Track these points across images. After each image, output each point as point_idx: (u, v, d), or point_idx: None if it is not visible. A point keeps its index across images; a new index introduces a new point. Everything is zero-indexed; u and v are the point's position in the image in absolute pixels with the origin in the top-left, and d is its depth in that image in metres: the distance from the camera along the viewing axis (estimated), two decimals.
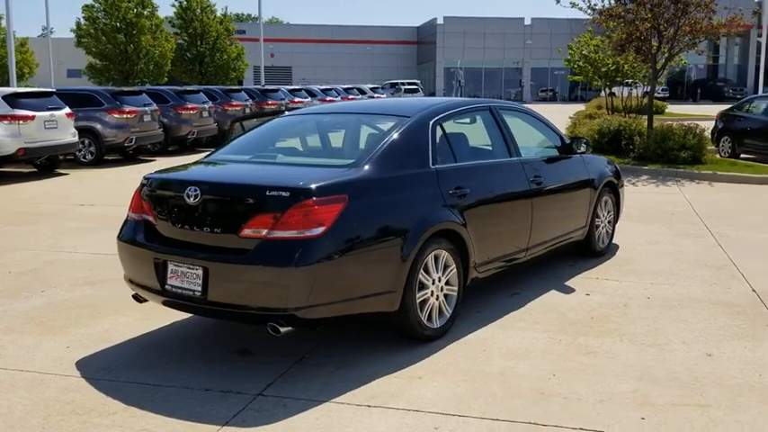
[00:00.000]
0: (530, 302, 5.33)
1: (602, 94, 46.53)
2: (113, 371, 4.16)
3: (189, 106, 18.19)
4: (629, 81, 19.91)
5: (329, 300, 3.89)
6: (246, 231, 3.89)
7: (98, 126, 15.31)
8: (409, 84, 50.44)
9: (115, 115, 15.47)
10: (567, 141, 6.27)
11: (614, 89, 45.30)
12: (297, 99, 24.65)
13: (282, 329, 3.81)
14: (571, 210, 6.13)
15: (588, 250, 6.63)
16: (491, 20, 63.63)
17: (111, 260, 6.83)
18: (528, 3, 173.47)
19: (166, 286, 4.15)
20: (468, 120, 5.32)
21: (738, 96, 56.74)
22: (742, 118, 15.38)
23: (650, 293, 5.56)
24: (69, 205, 10.30)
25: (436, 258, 4.47)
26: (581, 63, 19.28)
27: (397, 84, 48.92)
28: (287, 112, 5.58)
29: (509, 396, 3.71)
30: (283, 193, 3.84)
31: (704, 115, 28.74)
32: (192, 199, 4.06)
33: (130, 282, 4.54)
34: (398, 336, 4.49)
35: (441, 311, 4.56)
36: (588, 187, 6.37)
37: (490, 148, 5.44)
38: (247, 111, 21.12)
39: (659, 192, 11.20)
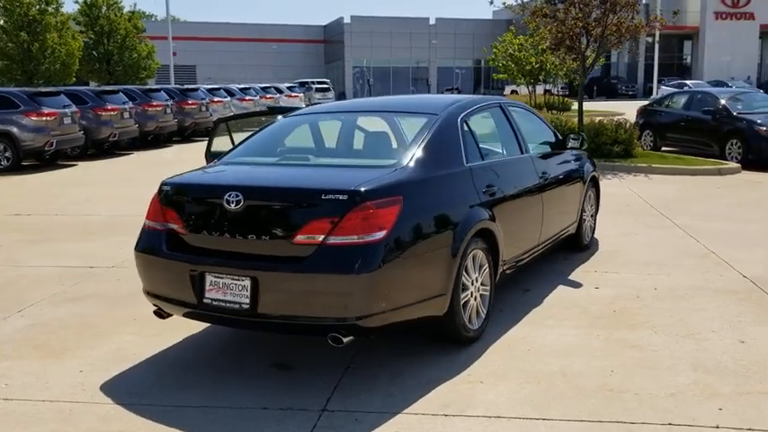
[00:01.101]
0: (546, 299, 5.34)
1: (506, 92, 47.86)
2: (148, 394, 3.82)
3: (109, 107, 17.26)
4: (551, 79, 20.54)
5: (389, 306, 3.72)
6: (300, 238, 3.66)
7: (15, 130, 14.23)
8: (320, 83, 50.05)
9: (33, 118, 14.43)
10: (560, 137, 6.34)
11: (514, 87, 46.24)
12: (216, 99, 23.93)
13: (345, 340, 3.61)
14: (568, 204, 6.20)
15: (576, 244, 6.72)
16: (397, 19, 64.10)
17: (80, 273, 6.34)
18: (432, 3, 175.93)
19: (205, 300, 3.84)
20: (484, 116, 5.25)
21: (631, 93, 59.99)
22: (662, 113, 16.15)
23: (653, 284, 5.68)
24: (2, 215, 9.50)
25: (473, 258, 4.38)
26: (504, 62, 19.67)
27: (307, 83, 48.37)
28: (295, 111, 5.30)
29: (581, 395, 3.66)
30: (340, 197, 3.63)
31: (609, 111, 30.06)
32: (233, 205, 3.78)
33: (151, 295, 4.18)
34: (436, 340, 4.37)
35: (477, 312, 4.48)
36: (579, 181, 6.47)
37: (505, 145, 5.40)
38: (168, 111, 20.31)
39: (604, 185, 11.50)
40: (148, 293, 4.20)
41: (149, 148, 19.54)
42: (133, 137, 18.50)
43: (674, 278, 5.87)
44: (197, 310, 3.91)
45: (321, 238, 3.62)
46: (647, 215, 8.83)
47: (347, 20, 62.80)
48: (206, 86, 24.54)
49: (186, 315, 4.09)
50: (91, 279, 6.19)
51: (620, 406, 3.54)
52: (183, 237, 4.02)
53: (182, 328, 4.67)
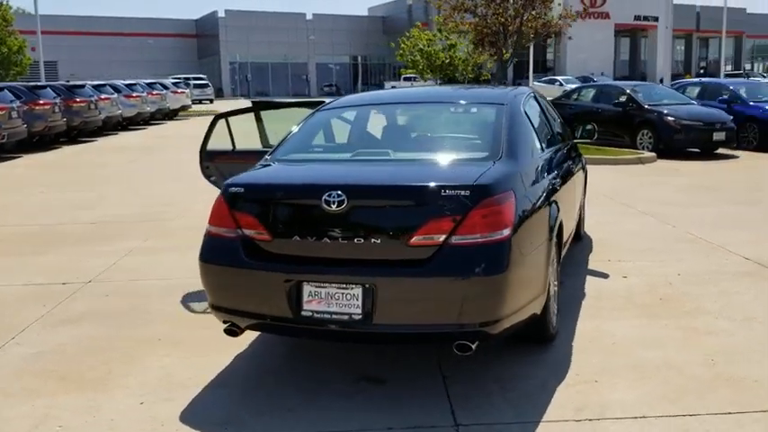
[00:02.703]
0: (586, 290, 5.28)
1: (386, 88, 48.36)
2: (244, 423, 3.35)
3: None
4: (458, 74, 20.85)
5: (512, 309, 3.46)
6: (416, 239, 3.33)
7: None
8: (196, 78, 48.41)
9: None
10: (568, 127, 6.31)
11: (394, 83, 46.90)
12: (104, 96, 22.35)
13: (473, 347, 3.33)
14: (579, 194, 6.20)
15: (575, 233, 6.72)
16: (274, 14, 62.95)
17: (57, 291, 5.58)
18: None
19: (304, 313, 3.42)
20: (532, 106, 5.08)
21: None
22: (572, 106, 16.76)
23: (674, 270, 5.77)
24: None
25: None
26: (413, 57, 19.75)
27: (185, 79, 46.50)
28: (328, 103, 4.86)
29: (706, 387, 3.59)
30: (462, 192, 3.33)
31: None
32: (334, 206, 3.37)
33: (223, 311, 3.68)
34: (520, 340, 4.16)
35: (553, 309, 4.32)
36: (583, 171, 6.50)
37: (546, 135, 5.26)
38: (57, 110, 18.68)
39: None
40: (219, 309, 3.69)
41: (37, 150, 17.85)
42: (21, 138, 16.86)
43: (688, 264, 5.99)
44: (293, 324, 3.47)
45: (442, 238, 3.31)
46: (607, 203, 9.07)
47: (221, 14, 60.93)
48: (92, 83, 22.84)
49: (270, 330, 3.66)
50: (74, 297, 5.45)
51: (751, 394, 3.50)
52: (264, 244, 3.55)
53: (225, 345, 4.17)
